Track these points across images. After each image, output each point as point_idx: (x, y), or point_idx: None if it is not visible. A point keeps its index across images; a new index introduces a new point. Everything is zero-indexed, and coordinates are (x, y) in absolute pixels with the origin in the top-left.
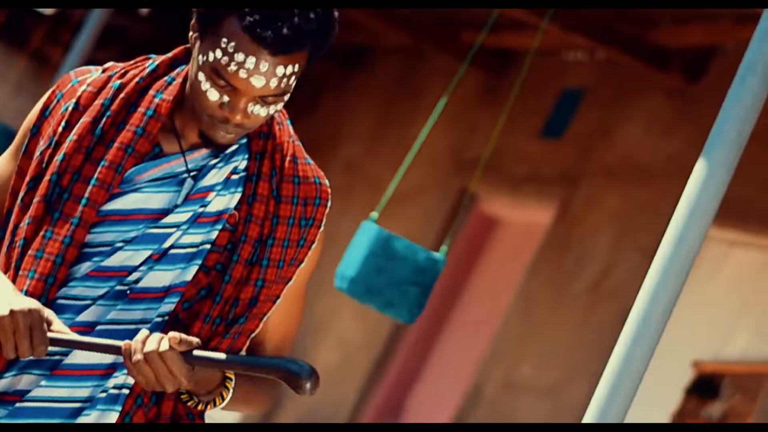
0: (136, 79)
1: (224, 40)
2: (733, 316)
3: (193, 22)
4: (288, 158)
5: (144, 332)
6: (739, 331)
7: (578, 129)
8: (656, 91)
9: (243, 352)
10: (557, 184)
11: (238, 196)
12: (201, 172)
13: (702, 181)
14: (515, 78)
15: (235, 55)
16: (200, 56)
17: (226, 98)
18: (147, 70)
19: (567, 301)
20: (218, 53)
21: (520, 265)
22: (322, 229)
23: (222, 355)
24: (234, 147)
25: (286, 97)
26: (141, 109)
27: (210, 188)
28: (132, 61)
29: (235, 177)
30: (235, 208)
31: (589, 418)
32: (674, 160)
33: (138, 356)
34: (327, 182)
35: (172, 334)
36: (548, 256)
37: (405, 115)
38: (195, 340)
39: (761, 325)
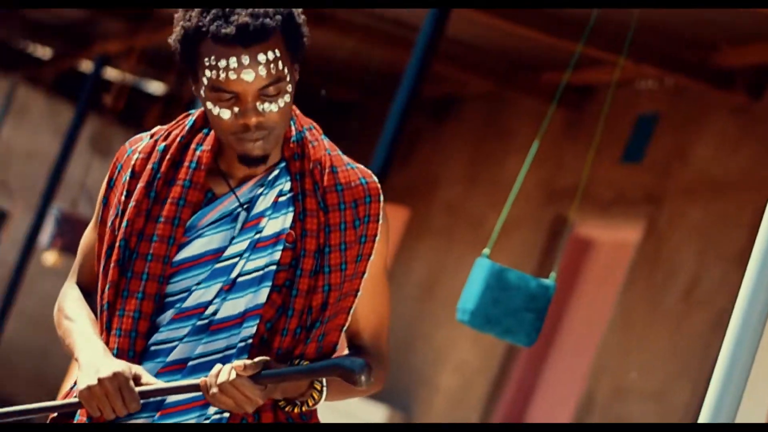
0: (178, 138)
1: (205, 60)
2: None
3: (190, 81)
4: (327, 171)
5: (217, 367)
6: None
7: (655, 152)
8: (722, 110)
9: (339, 346)
10: (642, 205)
11: (290, 215)
12: (252, 201)
13: None
14: (593, 111)
15: (219, 63)
16: (201, 91)
17: (236, 109)
18: (186, 128)
19: (661, 311)
20: (207, 73)
21: (615, 282)
22: (381, 222)
23: (285, 369)
24: (275, 172)
25: (289, 88)
26: (186, 164)
27: (261, 214)
28: (174, 121)
29: (282, 199)
30: (291, 227)
31: (703, 418)
32: (746, 173)
33: (213, 390)
34: (375, 179)
35: (236, 363)
36: (640, 272)
37: (496, 156)
38: (263, 359)
39: None
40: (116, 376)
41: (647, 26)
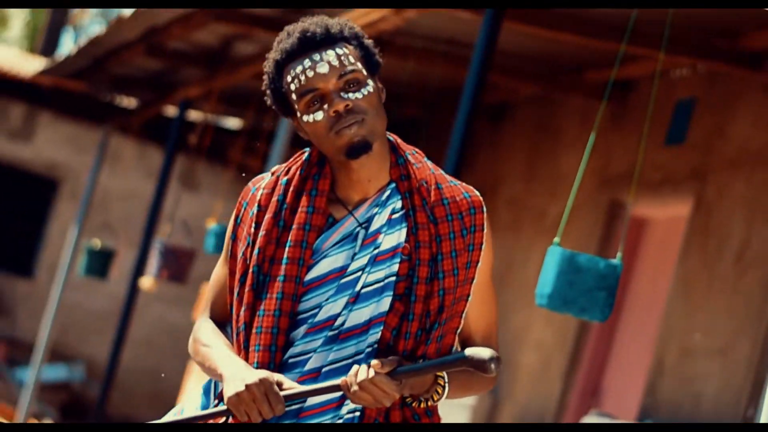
0: (298, 171)
1: (288, 79)
2: None
3: (294, 124)
4: (433, 187)
5: (354, 368)
6: None
7: (696, 133)
8: (754, 89)
9: (455, 346)
10: (689, 181)
11: (404, 230)
12: (369, 221)
13: None
14: (635, 102)
15: (296, 71)
16: (299, 115)
17: (325, 106)
18: (305, 162)
19: (717, 275)
20: (292, 87)
21: (671, 254)
22: (486, 231)
23: (419, 365)
24: (387, 193)
25: (370, 83)
26: (307, 192)
27: (377, 231)
28: (292, 158)
29: (395, 216)
30: (405, 240)
31: None
32: None
33: (354, 388)
34: (477, 193)
35: (374, 362)
36: (693, 243)
37: (550, 152)
38: (394, 359)
39: None
40: (262, 381)
41: (678, 20)
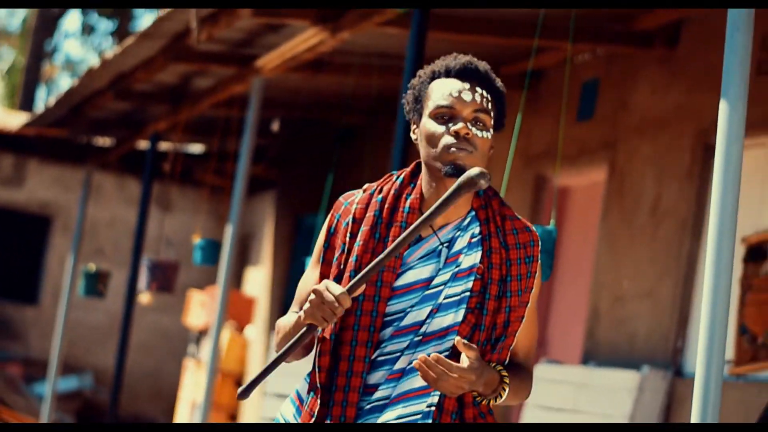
0: (392, 191)
1: (434, 90)
2: (758, 195)
3: (413, 125)
4: (506, 219)
5: (422, 355)
6: (766, 206)
7: (602, 108)
8: (649, 63)
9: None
10: (602, 151)
11: (479, 253)
12: (450, 242)
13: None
14: (546, 88)
15: (445, 88)
16: (424, 119)
17: (450, 124)
18: (397, 183)
19: (636, 229)
20: (433, 97)
21: (594, 215)
22: (538, 262)
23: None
24: (468, 219)
25: (490, 132)
26: (401, 209)
27: (459, 252)
28: (381, 180)
29: (474, 240)
30: (480, 261)
31: (705, 302)
32: (678, 108)
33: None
34: (534, 229)
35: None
36: (612, 203)
37: None
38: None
39: None
40: (320, 284)
41: (579, 12)
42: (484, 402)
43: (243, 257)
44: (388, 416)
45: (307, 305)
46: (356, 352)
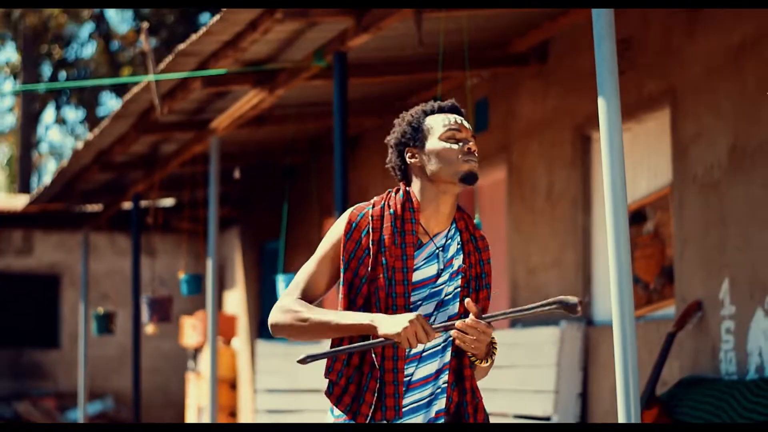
0: (398, 204)
1: (437, 122)
2: (630, 172)
3: (409, 152)
4: (473, 229)
5: (459, 322)
6: (638, 178)
7: (495, 119)
8: (526, 78)
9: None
10: (499, 154)
11: (462, 256)
12: (444, 247)
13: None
14: None
15: (449, 119)
16: (433, 143)
17: (460, 143)
18: (400, 197)
19: (537, 212)
20: (442, 125)
21: (500, 205)
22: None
23: (513, 310)
24: (452, 230)
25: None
26: (408, 218)
27: (453, 256)
28: (385, 195)
29: (458, 246)
30: (463, 262)
31: (611, 262)
32: (556, 110)
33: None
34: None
35: (470, 318)
36: (514, 194)
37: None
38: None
39: (648, 171)
40: (418, 317)
41: (470, 43)
42: (477, 362)
43: (221, 283)
44: (414, 397)
45: (399, 326)
46: (399, 352)
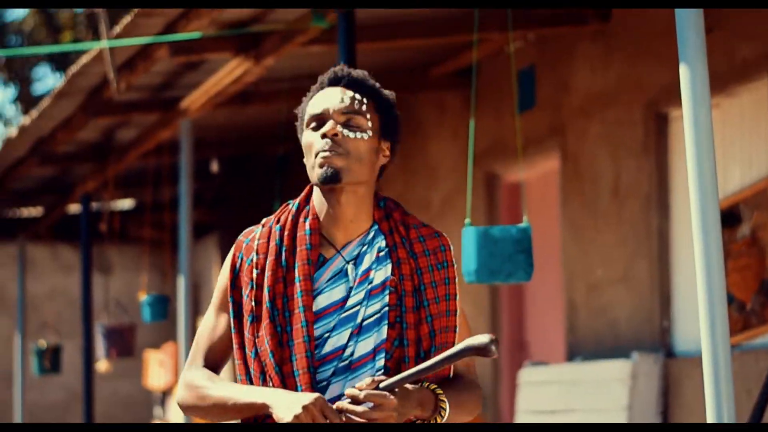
0: (290, 217)
1: (310, 106)
2: (720, 159)
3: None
4: (410, 227)
5: (342, 400)
6: (730, 168)
7: (543, 94)
8: (583, 41)
9: (450, 375)
10: (550, 139)
11: (389, 265)
12: (357, 259)
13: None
14: (479, 85)
15: (314, 97)
16: (302, 134)
17: (319, 130)
18: (294, 210)
19: (599, 213)
20: (306, 109)
21: (553, 205)
22: (455, 266)
23: (418, 367)
24: (371, 234)
25: (368, 134)
26: (300, 233)
27: (369, 269)
28: (278, 210)
29: (381, 254)
30: (392, 274)
31: (699, 277)
32: (621, 81)
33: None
34: (444, 234)
35: (357, 385)
36: (570, 189)
37: (418, 147)
38: (372, 379)
39: (742, 158)
40: (317, 399)
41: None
42: (423, 422)
43: (195, 306)
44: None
45: (292, 412)
46: (301, 380)
